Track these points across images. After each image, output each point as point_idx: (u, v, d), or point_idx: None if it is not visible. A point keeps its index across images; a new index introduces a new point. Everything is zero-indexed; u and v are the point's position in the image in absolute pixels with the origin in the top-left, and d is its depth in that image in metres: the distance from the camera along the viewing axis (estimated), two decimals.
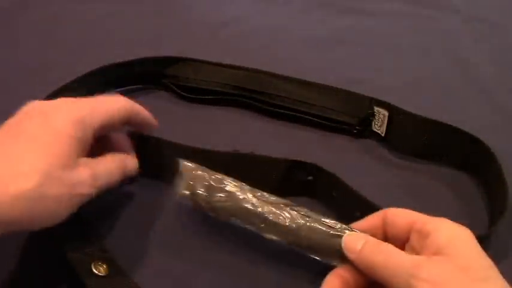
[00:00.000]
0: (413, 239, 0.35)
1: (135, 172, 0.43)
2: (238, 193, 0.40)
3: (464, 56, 0.68)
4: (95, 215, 0.43)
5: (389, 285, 0.33)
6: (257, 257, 0.42)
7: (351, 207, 0.43)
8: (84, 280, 0.36)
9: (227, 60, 0.58)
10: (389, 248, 0.34)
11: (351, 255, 0.35)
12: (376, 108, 0.53)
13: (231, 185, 0.41)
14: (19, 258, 0.41)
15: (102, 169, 0.38)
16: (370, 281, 0.36)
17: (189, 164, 0.42)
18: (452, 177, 0.51)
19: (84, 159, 0.37)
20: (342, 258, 0.36)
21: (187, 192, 0.41)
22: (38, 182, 0.33)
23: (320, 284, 0.37)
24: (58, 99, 0.39)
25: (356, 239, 0.36)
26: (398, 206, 0.38)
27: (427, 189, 0.50)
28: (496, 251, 0.40)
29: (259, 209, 0.39)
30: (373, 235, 0.36)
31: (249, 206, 0.39)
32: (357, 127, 0.53)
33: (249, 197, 0.40)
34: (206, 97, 0.57)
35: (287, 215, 0.39)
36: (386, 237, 0.37)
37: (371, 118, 0.53)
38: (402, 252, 0.34)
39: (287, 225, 0.38)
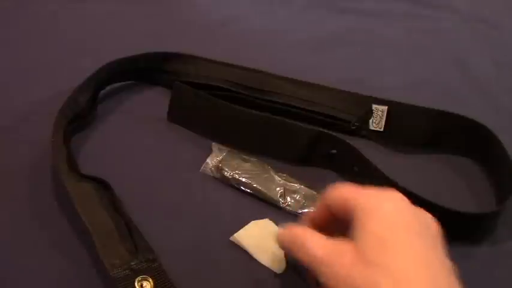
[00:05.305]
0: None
1: None
2: (263, 173, 0.47)
3: (464, 56, 0.68)
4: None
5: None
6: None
7: (370, 182, 0.44)
8: None
9: (227, 60, 0.58)
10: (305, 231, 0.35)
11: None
12: (374, 106, 0.53)
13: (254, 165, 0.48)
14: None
15: None
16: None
17: (219, 145, 0.50)
18: (455, 163, 0.52)
19: None
20: None
21: (214, 168, 0.48)
22: None
23: None
24: None
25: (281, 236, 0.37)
26: None
27: (432, 174, 0.51)
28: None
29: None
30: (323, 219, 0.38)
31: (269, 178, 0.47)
32: (355, 123, 0.53)
33: (271, 174, 0.47)
34: None
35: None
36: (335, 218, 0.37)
37: (369, 116, 0.53)
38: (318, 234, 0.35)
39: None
